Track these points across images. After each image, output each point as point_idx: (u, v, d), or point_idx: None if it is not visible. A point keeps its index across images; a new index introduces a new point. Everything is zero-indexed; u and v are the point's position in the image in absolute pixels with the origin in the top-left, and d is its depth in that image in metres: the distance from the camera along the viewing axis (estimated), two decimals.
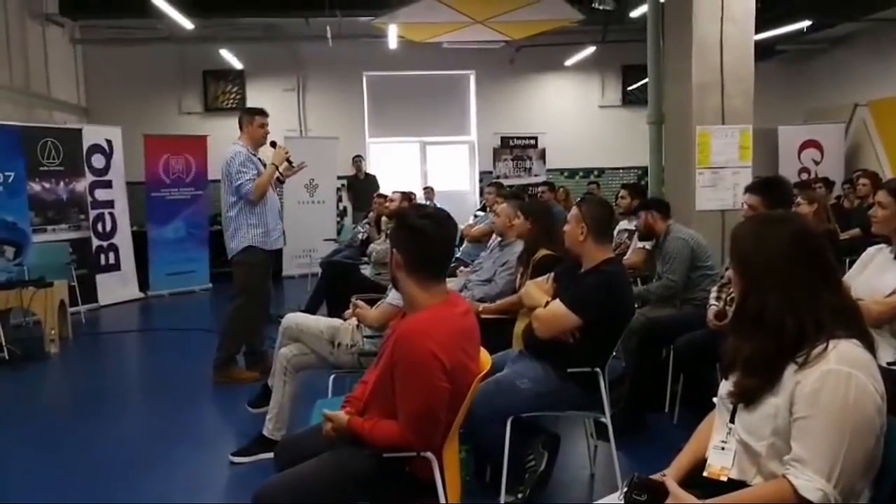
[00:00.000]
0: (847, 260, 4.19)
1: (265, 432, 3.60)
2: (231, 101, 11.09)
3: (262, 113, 5.04)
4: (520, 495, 3.00)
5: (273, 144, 5.04)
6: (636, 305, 4.59)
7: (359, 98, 11.46)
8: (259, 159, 4.98)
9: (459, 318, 2.18)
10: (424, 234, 2.13)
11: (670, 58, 5.77)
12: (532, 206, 4.21)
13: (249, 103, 11.09)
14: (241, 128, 5.02)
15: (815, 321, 1.52)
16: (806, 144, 10.53)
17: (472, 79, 11.72)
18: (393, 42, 9.38)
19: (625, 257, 5.59)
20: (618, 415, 3.96)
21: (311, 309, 6.11)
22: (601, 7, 8.31)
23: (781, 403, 1.52)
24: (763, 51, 9.95)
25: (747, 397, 1.58)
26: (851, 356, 1.48)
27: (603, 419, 2.98)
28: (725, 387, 1.69)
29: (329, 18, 8.99)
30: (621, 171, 11.71)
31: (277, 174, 4.99)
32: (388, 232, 2.31)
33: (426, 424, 2.03)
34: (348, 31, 9.89)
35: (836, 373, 1.46)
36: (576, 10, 7.99)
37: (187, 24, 8.31)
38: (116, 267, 8.64)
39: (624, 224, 5.85)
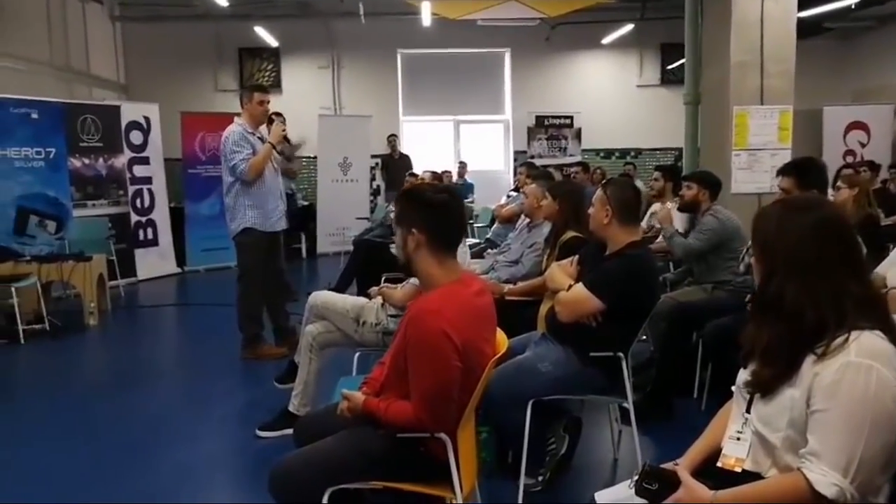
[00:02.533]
0: (891, 246, 4.07)
1: (291, 408, 3.64)
2: (266, 78, 11.16)
3: (261, 89, 5.02)
4: (540, 478, 3.00)
5: (270, 121, 5.00)
6: (666, 289, 4.57)
7: (393, 76, 11.43)
8: (259, 138, 4.92)
9: (473, 297, 2.16)
10: (446, 207, 2.14)
11: (708, 36, 5.63)
12: (560, 186, 4.14)
13: (284, 81, 11.20)
14: (241, 106, 4.97)
15: (836, 311, 1.47)
16: (852, 126, 10.19)
17: (508, 57, 11.59)
18: (426, 19, 9.31)
19: (657, 240, 5.51)
20: (644, 399, 3.96)
21: (341, 287, 6.17)
22: None
23: (799, 395, 1.47)
24: (808, 28, 9.63)
25: (764, 387, 1.55)
26: (873, 348, 1.43)
27: (625, 404, 2.95)
28: (743, 376, 1.65)
29: None
30: (658, 152, 11.51)
31: (281, 155, 4.95)
32: (398, 213, 2.26)
33: (439, 404, 2.03)
34: (383, 7, 9.84)
35: (857, 365, 1.41)
36: None
37: (222, 0, 8.35)
38: (154, 242, 8.81)
39: (657, 207, 5.75)
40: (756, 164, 5.27)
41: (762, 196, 5.23)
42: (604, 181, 3.68)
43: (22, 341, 5.60)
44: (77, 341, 5.90)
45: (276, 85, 11.16)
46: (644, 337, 4.80)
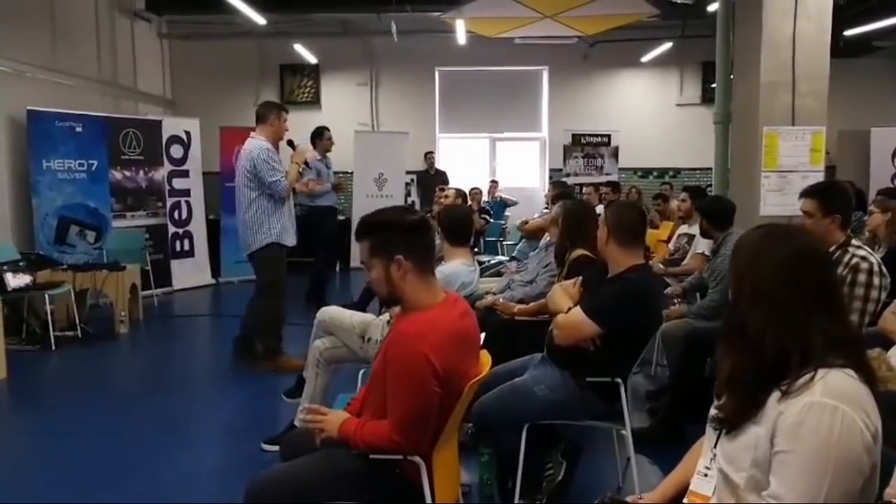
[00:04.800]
0: None
1: (296, 422, 3.65)
2: (306, 94, 11.35)
3: (287, 109, 5.13)
4: (537, 503, 2.93)
5: (291, 144, 5.12)
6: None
7: (430, 93, 11.49)
8: None
9: (457, 319, 2.14)
10: (424, 226, 2.15)
11: (739, 54, 5.51)
12: (566, 206, 4.07)
13: (324, 97, 11.37)
14: (260, 120, 4.99)
15: (801, 347, 1.40)
16: None
17: (545, 74, 11.54)
18: (461, 37, 9.36)
19: (683, 262, 5.41)
20: (655, 425, 3.86)
21: (363, 301, 6.20)
22: (679, 1, 8.04)
23: (763, 434, 1.40)
24: (856, 47, 9.39)
25: (728, 422, 1.48)
26: (840, 388, 1.35)
27: (623, 431, 2.87)
28: (713, 409, 1.59)
29: (399, 14, 9.05)
30: (698, 171, 11.25)
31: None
32: (373, 245, 2.17)
33: (415, 427, 2.01)
34: (420, 25, 9.93)
35: (821, 405, 1.33)
36: (650, 5, 7.73)
37: (260, 19, 8.56)
38: (190, 253, 9.00)
39: (684, 228, 5.65)
40: (787, 187, 5.10)
41: (792, 219, 5.06)
42: (608, 202, 3.63)
43: (53, 347, 5.76)
44: (105, 349, 6.03)
45: (316, 101, 11.35)
46: (666, 362, 4.70)
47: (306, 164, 5.09)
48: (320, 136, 7.48)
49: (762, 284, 1.47)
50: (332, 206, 7.61)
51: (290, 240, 5.09)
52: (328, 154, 7.57)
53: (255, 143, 4.89)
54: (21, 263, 6.00)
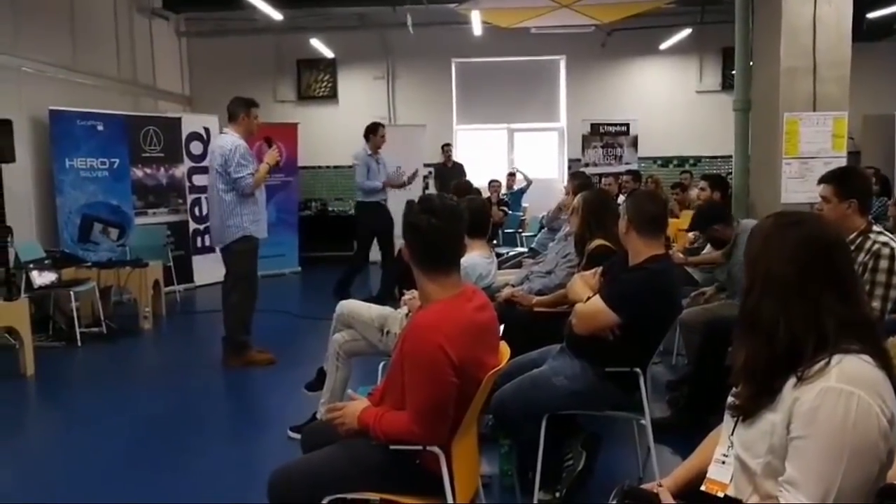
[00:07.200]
0: None
1: (318, 416, 3.69)
2: (323, 89, 11.39)
3: (257, 105, 5.17)
4: (557, 494, 2.95)
5: (268, 142, 5.20)
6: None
7: (447, 85, 11.47)
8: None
9: (473, 312, 2.15)
10: (426, 229, 2.12)
11: (758, 40, 5.44)
12: (583, 196, 4.05)
13: (340, 91, 11.40)
14: (231, 118, 5.06)
15: (816, 333, 1.39)
16: None
17: (563, 64, 11.47)
18: (477, 28, 9.33)
19: (703, 251, 5.36)
20: (675, 415, 3.86)
21: (384, 294, 6.23)
22: None
23: (779, 420, 1.40)
24: (879, 30, 9.24)
25: (744, 409, 1.48)
26: (856, 373, 1.34)
27: (643, 421, 2.86)
28: (730, 396, 1.59)
29: (414, 6, 9.04)
30: (719, 159, 11.14)
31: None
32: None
33: (433, 418, 2.03)
34: (436, 18, 9.91)
35: (837, 391, 1.33)
36: None
37: (276, 14, 8.59)
38: (211, 249, 9.02)
39: None
40: (808, 173, 5.04)
41: (814, 206, 5.00)
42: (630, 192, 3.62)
43: (79, 344, 5.86)
44: (129, 344, 6.13)
45: (333, 95, 11.38)
46: (685, 351, 4.68)
47: (277, 164, 5.13)
48: (374, 132, 7.43)
49: (773, 271, 1.46)
50: (377, 202, 7.50)
51: (262, 232, 5.14)
52: (380, 151, 7.49)
53: (228, 139, 4.98)
54: (46, 261, 6.11)
